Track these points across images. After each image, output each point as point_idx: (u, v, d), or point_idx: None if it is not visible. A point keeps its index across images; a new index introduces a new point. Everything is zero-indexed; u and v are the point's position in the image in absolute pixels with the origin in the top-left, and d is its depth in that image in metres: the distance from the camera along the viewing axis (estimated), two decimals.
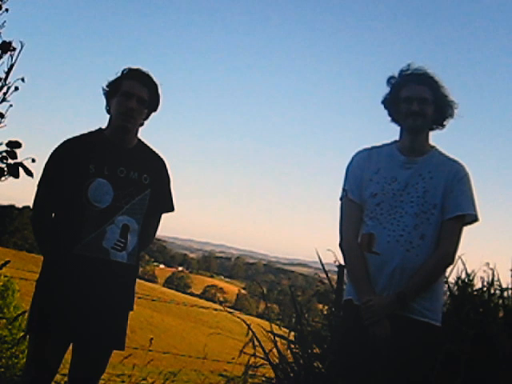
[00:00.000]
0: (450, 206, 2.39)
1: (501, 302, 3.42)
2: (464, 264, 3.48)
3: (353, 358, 2.38)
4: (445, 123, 2.54)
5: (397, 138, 2.55)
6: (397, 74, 2.51)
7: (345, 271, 3.44)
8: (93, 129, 2.60)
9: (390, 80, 2.53)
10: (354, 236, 2.45)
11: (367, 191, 2.45)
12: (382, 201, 2.41)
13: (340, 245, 2.52)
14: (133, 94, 2.47)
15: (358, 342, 2.36)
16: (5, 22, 2.27)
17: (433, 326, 2.36)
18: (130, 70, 2.55)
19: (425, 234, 2.36)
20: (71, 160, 2.47)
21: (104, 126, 2.58)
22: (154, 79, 2.56)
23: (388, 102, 2.54)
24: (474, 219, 2.43)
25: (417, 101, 2.41)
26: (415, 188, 2.40)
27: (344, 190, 2.53)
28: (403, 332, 2.29)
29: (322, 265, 3.64)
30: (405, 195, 2.40)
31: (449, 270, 3.29)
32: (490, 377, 2.94)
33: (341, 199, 2.54)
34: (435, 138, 2.57)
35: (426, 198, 2.39)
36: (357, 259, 2.41)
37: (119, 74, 2.54)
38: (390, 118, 2.56)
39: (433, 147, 2.53)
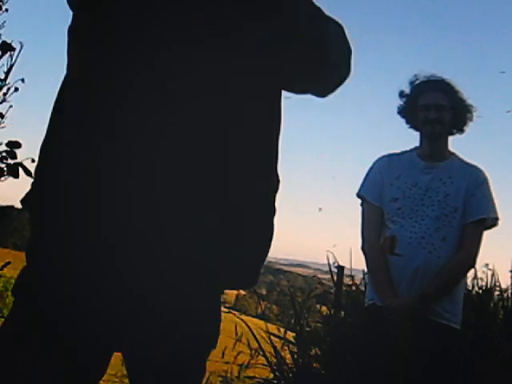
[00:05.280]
0: (472, 209, 2.41)
1: (500, 303, 3.42)
2: None
3: (375, 359, 2.38)
4: (464, 128, 2.57)
5: (416, 144, 2.58)
6: (408, 85, 2.56)
7: (363, 274, 3.48)
8: None
9: (402, 93, 2.57)
10: (375, 239, 2.48)
11: (388, 195, 2.47)
12: (403, 205, 2.43)
13: (362, 248, 2.55)
14: None
15: (380, 343, 2.36)
16: (5, 22, 2.27)
17: (452, 329, 2.37)
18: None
19: (446, 237, 2.38)
20: None
21: None
22: None
23: (405, 111, 2.58)
24: (493, 223, 2.47)
25: (434, 108, 2.45)
26: (436, 192, 2.43)
27: (360, 195, 2.56)
28: (423, 334, 2.29)
29: (329, 265, 3.66)
30: (426, 199, 2.42)
31: None
32: (489, 378, 2.94)
33: (361, 205, 2.57)
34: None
35: (447, 202, 2.41)
36: (379, 262, 2.43)
37: None
38: (408, 126, 2.59)
39: (452, 153, 2.55)
